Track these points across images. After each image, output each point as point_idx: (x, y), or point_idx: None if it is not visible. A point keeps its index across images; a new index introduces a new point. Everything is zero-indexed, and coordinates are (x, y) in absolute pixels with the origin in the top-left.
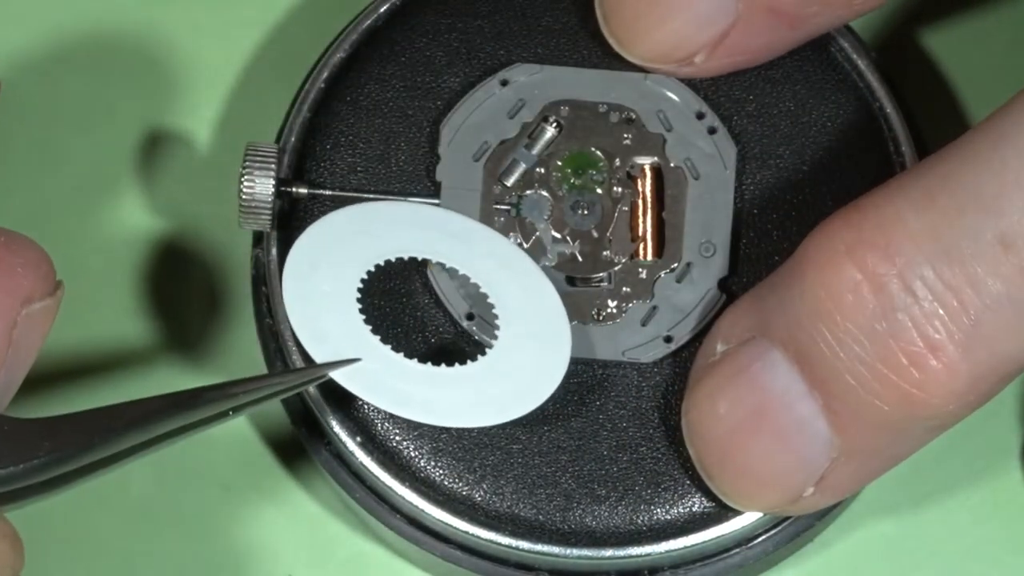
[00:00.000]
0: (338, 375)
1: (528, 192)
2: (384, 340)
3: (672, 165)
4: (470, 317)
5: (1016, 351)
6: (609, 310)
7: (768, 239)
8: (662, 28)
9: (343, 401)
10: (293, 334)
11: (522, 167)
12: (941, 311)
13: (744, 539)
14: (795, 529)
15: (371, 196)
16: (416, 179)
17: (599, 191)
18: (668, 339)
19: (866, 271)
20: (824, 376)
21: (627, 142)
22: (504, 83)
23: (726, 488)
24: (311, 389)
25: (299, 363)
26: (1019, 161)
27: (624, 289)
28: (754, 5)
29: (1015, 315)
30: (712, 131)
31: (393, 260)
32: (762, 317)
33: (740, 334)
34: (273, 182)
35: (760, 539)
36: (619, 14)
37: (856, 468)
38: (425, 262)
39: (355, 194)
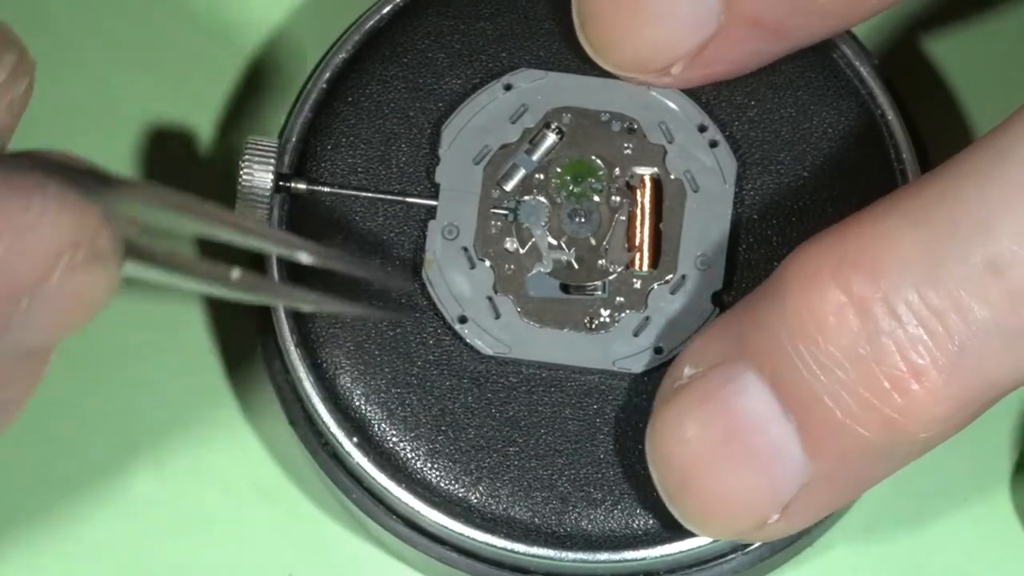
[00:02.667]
0: None
1: (526, 197)
2: (379, 339)
3: (672, 177)
4: (463, 320)
5: (999, 378)
6: (602, 319)
7: (767, 245)
8: (640, 37)
9: (340, 402)
10: (292, 335)
11: (522, 172)
12: (925, 336)
13: (740, 544)
14: (792, 535)
15: (370, 195)
16: (416, 180)
17: (597, 200)
18: (659, 350)
19: (850, 294)
20: (802, 400)
21: (628, 152)
22: (507, 88)
23: (689, 514)
24: (309, 388)
25: (297, 363)
26: (1009, 187)
27: (618, 299)
28: (737, 16)
29: (1000, 342)
30: (713, 144)
31: None
32: (737, 339)
33: (711, 358)
34: (272, 175)
35: (756, 544)
36: (596, 21)
37: (826, 494)
38: (420, 264)
39: (354, 192)
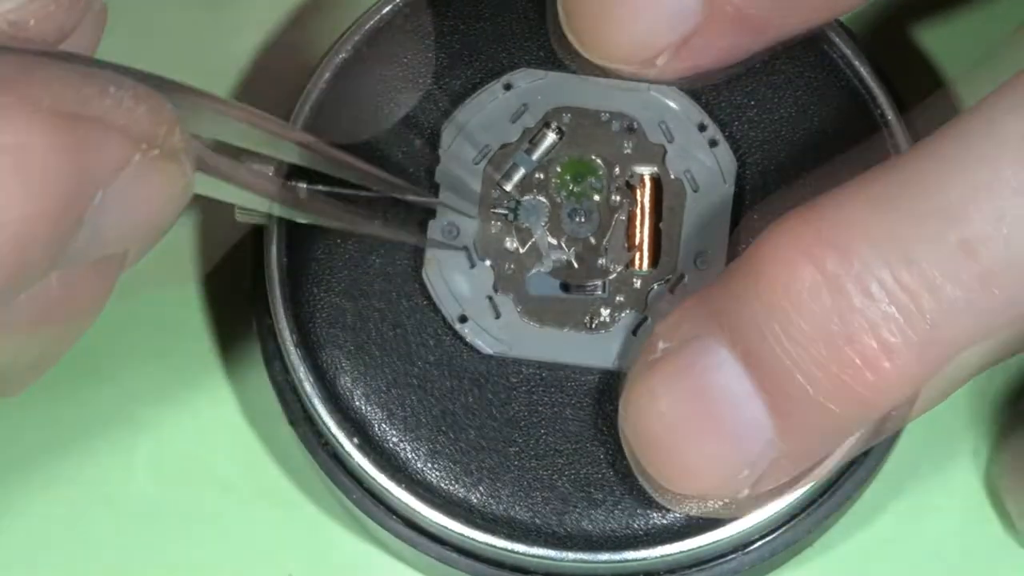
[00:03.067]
0: None
1: (526, 197)
2: (379, 340)
3: (672, 176)
4: (463, 319)
5: (969, 357)
6: (602, 318)
7: None
8: (625, 29)
9: (341, 403)
10: (292, 335)
11: (521, 172)
12: (897, 314)
13: (741, 544)
14: (792, 535)
15: (370, 195)
16: (416, 180)
17: (597, 199)
18: None
19: (824, 271)
20: (774, 376)
21: (627, 151)
22: (507, 87)
23: (660, 488)
24: (309, 389)
25: (298, 365)
26: (983, 167)
27: (618, 298)
28: (719, 9)
29: (971, 321)
30: (713, 144)
31: None
32: (710, 315)
33: (685, 333)
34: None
35: (756, 544)
36: (581, 14)
37: (796, 470)
38: (420, 264)
39: (354, 192)
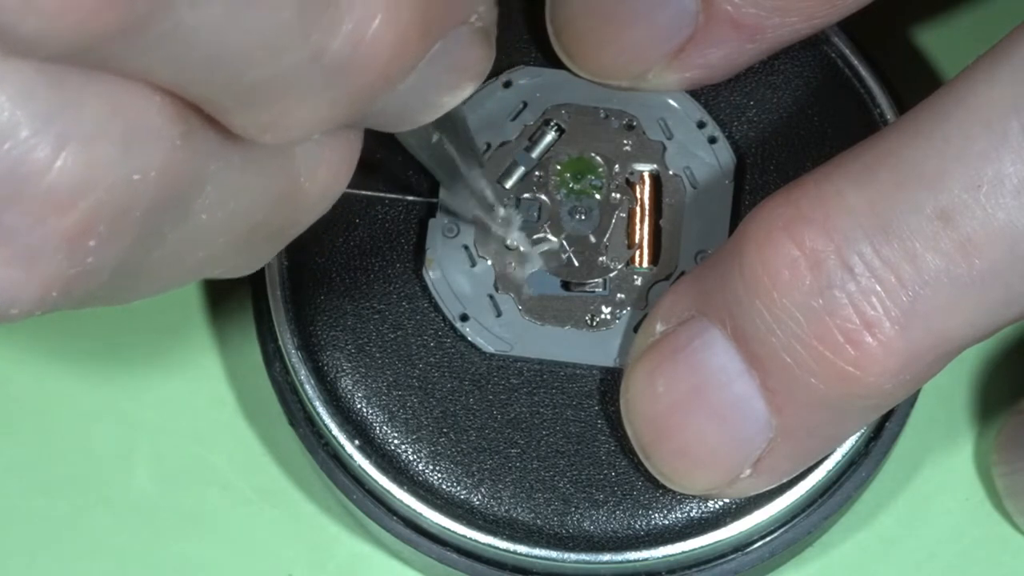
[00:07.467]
0: None
1: (526, 195)
2: (380, 342)
3: (671, 173)
4: (464, 318)
5: (954, 328)
6: (603, 316)
7: None
8: (613, 46)
9: (342, 405)
10: (292, 337)
11: (521, 170)
12: (878, 287)
13: (741, 544)
14: (793, 535)
15: (370, 194)
16: (415, 179)
17: (597, 197)
18: None
19: (803, 247)
20: (761, 354)
21: (627, 148)
22: (507, 85)
23: (663, 468)
24: (310, 391)
25: (298, 367)
26: (961, 138)
27: (619, 296)
28: (714, 17)
29: (953, 291)
30: (712, 140)
31: None
32: (702, 296)
33: (680, 314)
34: None
35: (756, 545)
36: (570, 31)
37: (793, 449)
38: (420, 265)
39: (353, 191)
